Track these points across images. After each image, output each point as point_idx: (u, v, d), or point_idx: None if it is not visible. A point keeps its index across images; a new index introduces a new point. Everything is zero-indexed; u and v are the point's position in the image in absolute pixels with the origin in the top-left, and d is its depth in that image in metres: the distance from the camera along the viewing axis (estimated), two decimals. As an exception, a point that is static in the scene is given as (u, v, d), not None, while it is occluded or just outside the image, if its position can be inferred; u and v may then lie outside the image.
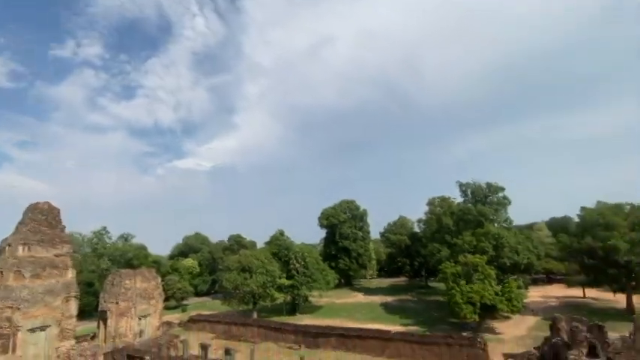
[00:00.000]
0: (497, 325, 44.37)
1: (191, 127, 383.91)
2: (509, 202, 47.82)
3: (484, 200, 49.22)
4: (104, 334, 35.28)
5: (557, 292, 60.24)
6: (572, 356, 23.79)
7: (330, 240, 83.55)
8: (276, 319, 54.52)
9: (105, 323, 35.39)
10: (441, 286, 70.58)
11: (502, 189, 48.70)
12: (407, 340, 34.02)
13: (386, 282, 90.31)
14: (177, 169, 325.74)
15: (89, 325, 51.32)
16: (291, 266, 61.21)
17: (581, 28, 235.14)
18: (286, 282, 59.60)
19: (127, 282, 36.21)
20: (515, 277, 42.59)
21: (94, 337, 37.30)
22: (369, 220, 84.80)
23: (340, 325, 44.69)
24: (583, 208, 49.98)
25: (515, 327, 43.47)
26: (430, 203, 58.86)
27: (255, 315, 55.78)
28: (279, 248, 65.28)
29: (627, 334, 25.36)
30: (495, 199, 48.72)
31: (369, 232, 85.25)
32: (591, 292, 53.85)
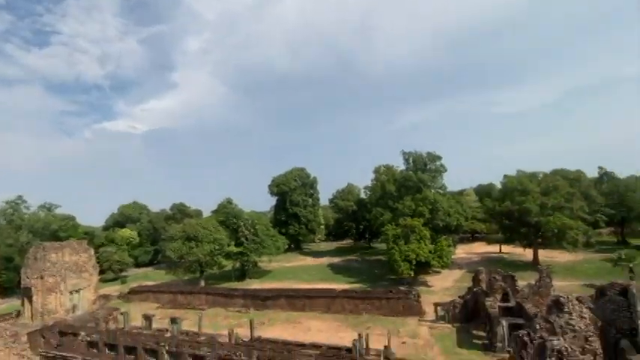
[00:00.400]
0: (429, 278, 49.95)
1: (122, 84, 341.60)
2: (445, 170, 52.21)
3: (424, 168, 52.89)
4: (30, 311, 32.14)
5: (478, 249, 69.09)
6: (488, 302, 27.86)
7: (280, 207, 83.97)
8: (225, 285, 54.66)
9: (30, 300, 32.12)
10: (383, 246, 76.57)
11: (439, 158, 52.65)
12: (350, 297, 36.70)
13: (333, 245, 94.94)
14: (107, 131, 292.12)
15: (14, 303, 46.43)
16: (240, 234, 60.75)
17: (516, 7, 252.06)
18: (235, 249, 59.29)
19: (53, 256, 32.78)
20: (446, 237, 47.61)
21: (18, 315, 33.85)
22: (319, 187, 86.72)
23: (289, 287, 46.48)
24: (505, 176, 56.69)
25: (443, 280, 49.43)
26: (376, 171, 61.52)
27: (202, 283, 55.14)
28: (227, 216, 63.99)
29: (533, 282, 30.30)
30: (433, 167, 52.66)
31: (318, 199, 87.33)
32: (506, 248, 62.75)
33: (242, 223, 61.63)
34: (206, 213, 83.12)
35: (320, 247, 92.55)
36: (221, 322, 38.01)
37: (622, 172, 79.70)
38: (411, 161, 54.43)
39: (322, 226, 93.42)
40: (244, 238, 60.24)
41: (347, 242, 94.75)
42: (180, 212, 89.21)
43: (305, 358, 18.57)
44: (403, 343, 28.23)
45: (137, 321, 35.43)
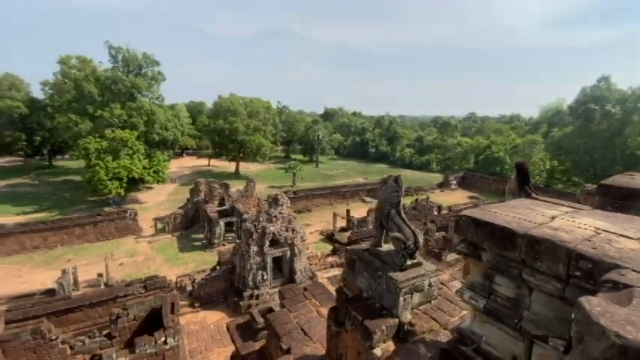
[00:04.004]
0: (140, 195, 46.76)
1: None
2: (164, 79, 47.19)
3: (139, 72, 44.95)
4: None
5: (189, 163, 72.43)
6: (208, 207, 31.03)
7: None
8: None
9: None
10: (74, 164, 60.89)
11: (158, 63, 46.47)
12: (36, 230, 27.55)
13: (-22, 165, 62.78)
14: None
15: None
16: None
17: None
18: None
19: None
20: (162, 151, 45.51)
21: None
22: None
23: None
24: (219, 97, 60.74)
25: (156, 195, 48.24)
26: (63, 62, 44.51)
27: None
28: None
29: (241, 189, 36.62)
30: (150, 73, 46.03)
31: None
32: (214, 162, 70.25)
33: None
34: None
35: (-55, 169, 58.12)
36: None
37: (294, 107, 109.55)
38: (120, 59, 44.13)
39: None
40: None
41: (7, 160, 66.03)
42: None
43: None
44: (120, 264, 26.07)
45: None
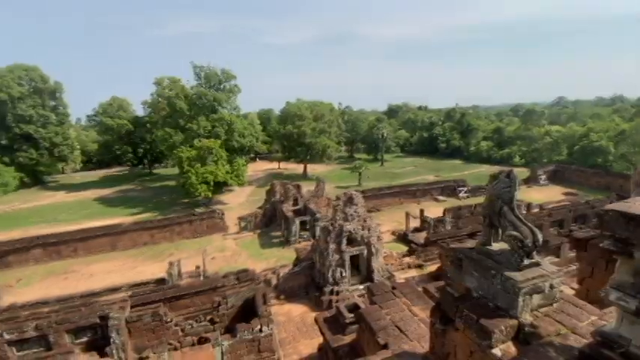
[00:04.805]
0: (223, 197, 51.71)
1: None
2: (240, 91, 51.64)
3: (218, 86, 49.87)
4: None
5: (262, 166, 77.54)
6: (284, 207, 32.74)
7: (-6, 124, 55.57)
8: None
9: None
10: (169, 171, 69.98)
11: (234, 77, 51.02)
12: (145, 228, 32.41)
13: (96, 174, 76.38)
14: None
15: None
16: None
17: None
18: None
19: None
20: (241, 157, 49.61)
21: None
22: (67, 98, 63.22)
23: (41, 233, 34.31)
24: (287, 103, 63.90)
25: (237, 196, 52.79)
26: (158, 83, 51.71)
27: None
28: None
29: (311, 189, 37.98)
30: (228, 87, 50.70)
31: (68, 115, 64.25)
32: (283, 165, 74.11)
33: None
34: None
35: (75, 179, 71.91)
36: None
37: (356, 107, 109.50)
38: (202, 77, 49.49)
39: (78, 152, 71.28)
40: None
41: (117, 170, 78.92)
42: None
43: (118, 303, 15.32)
44: (213, 258, 29.05)
45: None
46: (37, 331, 13.90)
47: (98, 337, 14.32)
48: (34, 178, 62.10)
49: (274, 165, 75.70)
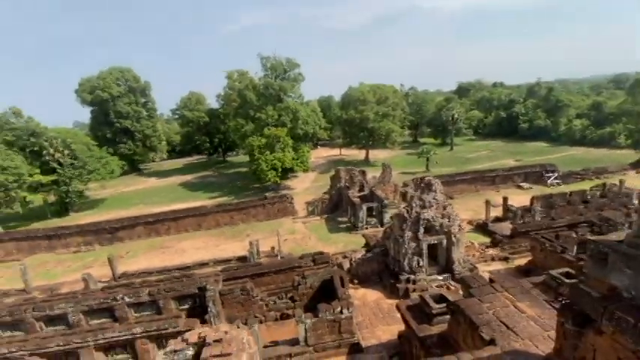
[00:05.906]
0: (289, 182, 53.90)
1: None
2: (304, 79, 52.48)
3: (283, 75, 51.29)
4: None
5: (323, 153, 78.54)
6: (350, 193, 32.75)
7: (101, 121, 65.52)
8: (37, 226, 41.42)
9: None
10: (240, 159, 75.09)
11: (298, 65, 51.91)
12: (226, 210, 35.45)
13: (179, 162, 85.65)
14: None
15: None
16: (48, 157, 45.01)
17: None
18: (44, 178, 44.20)
19: None
20: (305, 144, 50.82)
21: None
22: (154, 95, 71.33)
23: (142, 213, 39.96)
24: (350, 87, 63.02)
25: (302, 182, 54.56)
26: (229, 77, 55.18)
27: (-1, 228, 39.79)
28: (19, 135, 45.09)
29: (377, 175, 37.26)
30: (292, 75, 51.83)
31: (155, 110, 72.73)
32: (345, 151, 74.02)
33: (47, 143, 45.26)
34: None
35: (163, 167, 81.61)
36: (55, 269, 29.82)
37: (420, 87, 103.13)
38: (269, 67, 51.27)
39: (164, 142, 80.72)
40: (56, 163, 45.21)
41: (196, 158, 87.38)
42: None
43: (212, 277, 17.11)
44: (285, 240, 30.57)
45: None
46: (150, 296, 16.28)
47: (197, 306, 16.23)
48: (132, 166, 72.05)
49: (335, 151, 75.98)
